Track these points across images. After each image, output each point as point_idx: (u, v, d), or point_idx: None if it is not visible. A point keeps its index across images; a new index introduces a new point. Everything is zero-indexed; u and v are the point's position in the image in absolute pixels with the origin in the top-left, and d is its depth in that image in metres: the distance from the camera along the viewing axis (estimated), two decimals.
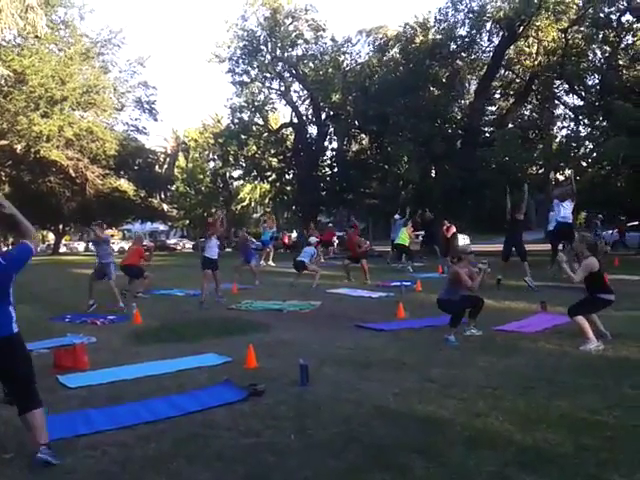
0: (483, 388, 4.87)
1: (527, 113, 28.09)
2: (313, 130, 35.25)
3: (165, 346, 6.99)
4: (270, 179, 37.46)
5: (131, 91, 37.19)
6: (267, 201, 50.00)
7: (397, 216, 19.05)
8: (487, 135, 25.70)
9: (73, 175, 33.03)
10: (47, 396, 3.88)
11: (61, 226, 43.21)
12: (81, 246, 49.25)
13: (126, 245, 39.14)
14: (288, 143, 36.20)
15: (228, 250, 28.60)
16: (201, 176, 50.63)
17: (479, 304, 7.18)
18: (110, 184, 36.28)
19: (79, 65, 32.42)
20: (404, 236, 16.73)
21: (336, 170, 33.11)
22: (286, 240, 32.77)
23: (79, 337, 7.22)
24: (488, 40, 25.71)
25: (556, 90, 26.25)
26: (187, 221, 54.40)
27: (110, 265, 10.40)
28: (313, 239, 14.41)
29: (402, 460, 3.44)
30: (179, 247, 48.36)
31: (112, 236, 54.13)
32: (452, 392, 4.78)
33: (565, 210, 11.96)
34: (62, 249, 44.29)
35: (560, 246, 12.76)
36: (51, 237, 49.56)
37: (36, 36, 23.02)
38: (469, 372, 5.40)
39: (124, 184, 38.59)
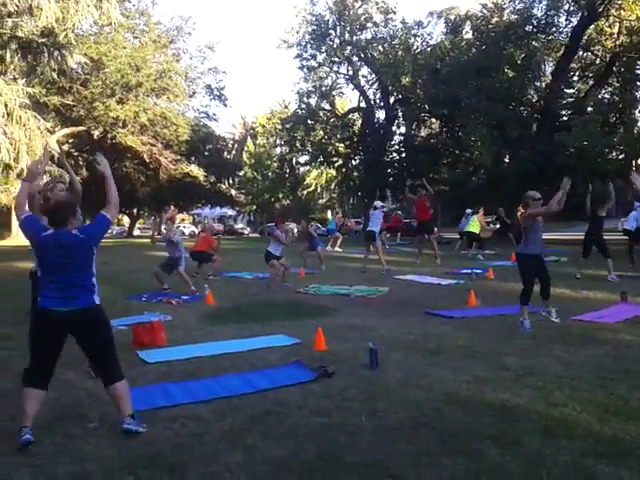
0: (560, 378, 4.72)
1: (607, 96, 26.71)
2: (381, 114, 34.97)
3: (236, 326, 7.14)
4: (336, 165, 37.45)
5: (201, 77, 38.05)
6: (333, 187, 50.11)
7: (469, 210, 18.61)
8: (565, 119, 24.68)
9: (147, 160, 34.13)
10: (127, 370, 4.03)
11: (135, 210, 44.87)
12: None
13: (196, 229, 40.32)
14: (355, 128, 36.04)
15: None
16: (268, 162, 51.27)
17: (546, 281, 6.97)
18: (182, 169, 37.30)
19: (153, 52, 33.41)
20: (474, 224, 16.32)
21: (404, 155, 32.71)
22: (352, 225, 32.86)
23: (156, 315, 7.50)
24: (566, 20, 24.68)
25: (639, 71, 24.84)
26: (254, 206, 55.27)
27: (181, 259, 10.54)
28: (379, 203, 13.75)
29: (475, 446, 3.39)
30: (246, 232, 49.28)
31: (182, 220, 55.88)
32: (527, 381, 4.66)
33: None
34: (136, 232, 46.05)
35: None
36: (126, 220, 51.56)
37: (110, 23, 23.85)
38: (545, 361, 5.24)
39: (195, 169, 39.61)
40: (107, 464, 3.24)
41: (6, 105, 16.81)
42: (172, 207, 30.82)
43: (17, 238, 29.94)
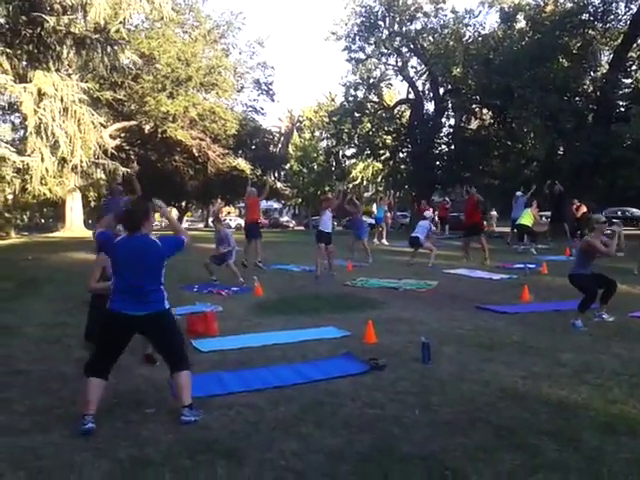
0: (619, 375, 4.60)
1: None
2: (430, 106, 34.43)
3: (286, 318, 7.20)
4: (383, 157, 37.15)
5: (250, 72, 38.24)
6: (380, 179, 49.80)
7: (519, 193, 17.90)
8: (622, 109, 23.77)
9: (196, 154, 34.59)
10: None
11: (184, 203, 45.69)
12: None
13: (242, 222, 40.83)
14: (403, 120, 35.63)
15: (339, 228, 28.83)
16: (314, 155, 51.31)
17: (612, 286, 6.72)
18: (229, 163, 37.64)
19: (203, 47, 33.84)
20: (527, 216, 15.77)
21: (453, 147, 32.15)
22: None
23: (207, 305, 7.63)
24: (626, 7, 23.67)
25: None
26: (300, 199, 55.50)
27: (231, 253, 10.51)
28: (428, 213, 13.81)
29: (533, 442, 3.34)
30: (291, 225, 49.55)
31: (228, 213, 56.63)
32: (585, 377, 4.54)
33: None
34: (184, 225, 46.97)
35: None
36: (175, 213, 52.66)
37: (161, 17, 24.20)
38: (603, 358, 5.10)
39: (242, 163, 40.00)
40: (165, 448, 3.32)
41: (62, 100, 17.31)
42: (219, 200, 31.14)
43: (71, 230, 30.95)
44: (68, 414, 3.86)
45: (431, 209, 16.48)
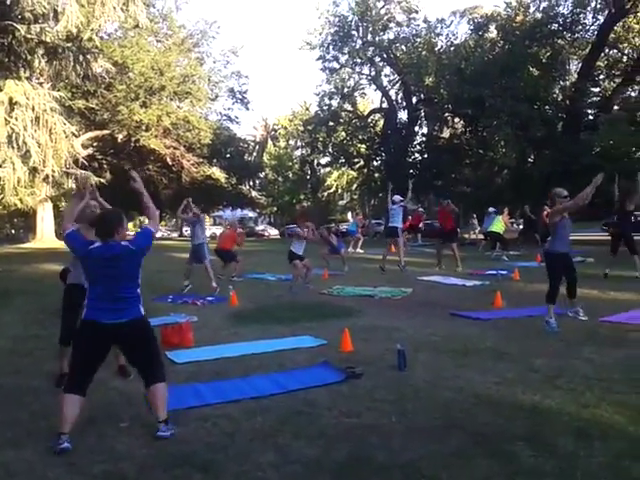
0: (590, 379, 4.67)
1: (634, 94, 26.31)
2: (403, 115, 34.91)
3: (262, 327, 7.16)
4: (358, 166, 37.41)
5: (224, 81, 38.29)
6: (354, 188, 50.11)
7: (492, 209, 18.37)
8: (591, 118, 24.35)
9: (170, 163, 34.44)
10: None
11: (158, 213, 45.29)
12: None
13: (217, 231, 40.65)
14: (377, 129, 35.98)
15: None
16: (289, 163, 51.38)
17: (573, 277, 6.93)
18: (203, 172, 37.54)
19: (177, 56, 33.72)
20: (498, 224, 16.15)
21: (426, 156, 32.55)
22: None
23: (182, 316, 7.57)
24: (593, 18, 24.35)
25: None
26: (275, 208, 55.47)
27: (203, 246, 10.78)
28: (397, 197, 13.77)
29: (508, 448, 3.36)
30: (266, 234, 49.39)
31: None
32: (558, 382, 4.60)
33: None
34: (158, 234, 46.54)
35: None
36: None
37: (136, 26, 24.08)
38: (575, 363, 5.18)
39: (216, 172, 39.90)
40: (140, 463, 3.27)
41: (33, 109, 17.09)
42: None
43: (42, 240, 30.42)
44: (40, 428, 3.79)
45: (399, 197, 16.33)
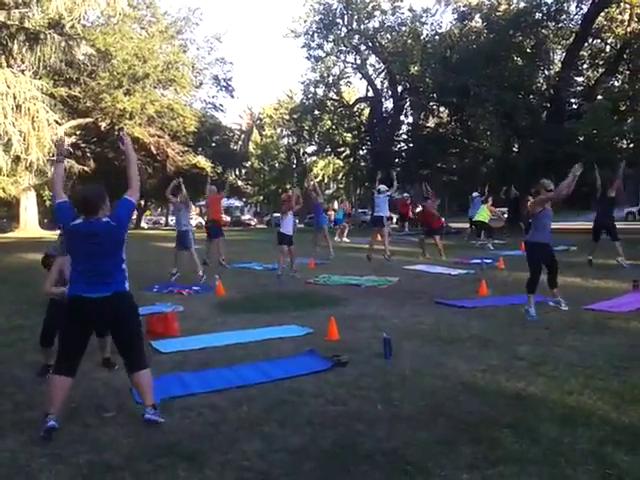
0: (574, 366, 4.72)
1: (617, 84, 26.48)
2: (389, 104, 34.85)
3: (248, 316, 7.16)
4: (344, 155, 37.34)
5: (209, 68, 37.97)
6: (340, 177, 50.05)
7: (476, 194, 18.46)
8: (574, 107, 24.50)
9: (154, 152, 34.11)
10: None
11: (143, 202, 44.94)
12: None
13: (203, 221, 40.44)
14: (363, 118, 35.91)
15: (300, 226, 28.85)
16: (275, 152, 51.15)
17: (554, 267, 7.00)
18: (189, 161, 37.24)
19: (160, 43, 33.34)
20: (484, 212, 16.24)
21: (412, 145, 32.56)
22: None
23: (168, 305, 7.53)
24: (577, 7, 24.47)
25: None
26: (261, 197, 55.26)
27: (189, 233, 10.77)
28: (383, 187, 13.80)
29: (493, 434, 3.39)
30: (253, 223, 49.24)
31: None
32: (542, 370, 4.65)
33: None
34: (143, 224, 46.15)
35: None
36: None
37: (118, 13, 23.77)
38: (559, 351, 5.23)
39: (202, 161, 39.61)
40: (125, 453, 3.26)
41: (15, 97, 16.83)
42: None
43: (25, 230, 30.09)
44: (23, 419, 3.76)
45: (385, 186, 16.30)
